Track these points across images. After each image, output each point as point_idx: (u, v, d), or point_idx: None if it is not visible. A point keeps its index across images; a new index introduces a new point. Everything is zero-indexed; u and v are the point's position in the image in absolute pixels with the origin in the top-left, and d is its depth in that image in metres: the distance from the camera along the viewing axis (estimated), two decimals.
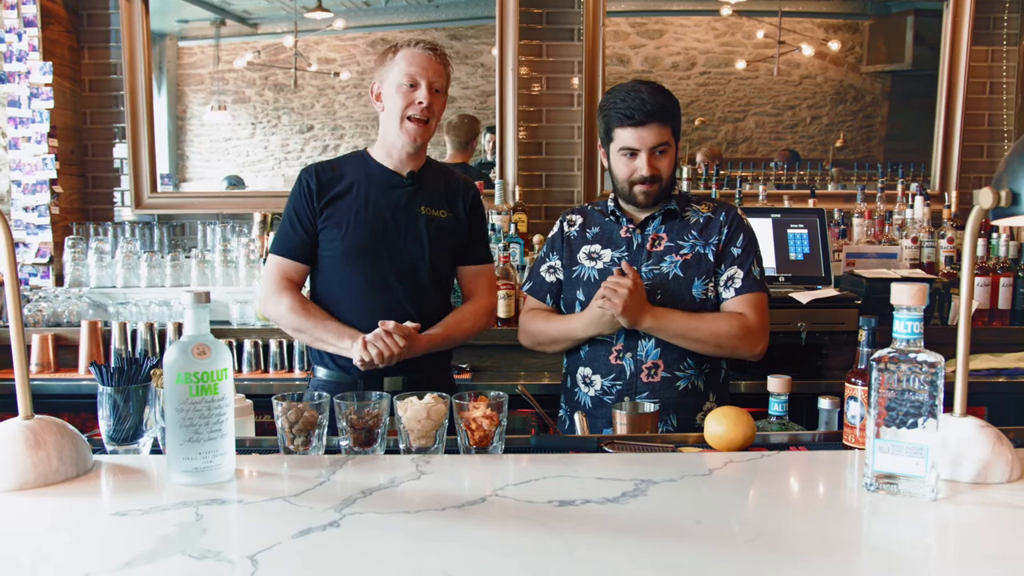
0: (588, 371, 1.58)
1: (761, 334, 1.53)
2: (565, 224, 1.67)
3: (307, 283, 1.67)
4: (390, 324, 1.47)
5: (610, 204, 1.62)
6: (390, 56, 1.57)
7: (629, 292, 1.44)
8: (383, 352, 1.45)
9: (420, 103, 1.52)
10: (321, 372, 1.62)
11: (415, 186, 1.60)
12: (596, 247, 1.60)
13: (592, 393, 1.58)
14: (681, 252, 1.55)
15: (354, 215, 1.57)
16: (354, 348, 1.48)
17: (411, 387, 1.27)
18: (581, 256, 1.60)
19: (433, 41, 1.61)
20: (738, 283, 1.54)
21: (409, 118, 1.54)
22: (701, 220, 1.58)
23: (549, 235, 1.71)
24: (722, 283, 1.55)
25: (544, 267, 1.66)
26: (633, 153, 1.52)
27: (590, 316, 1.52)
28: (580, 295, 1.59)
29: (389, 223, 1.58)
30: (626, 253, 1.57)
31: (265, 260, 2.38)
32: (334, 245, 1.57)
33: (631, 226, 1.59)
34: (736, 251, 1.55)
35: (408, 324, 1.49)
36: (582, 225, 1.65)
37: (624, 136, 1.51)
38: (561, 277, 1.64)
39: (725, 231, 1.55)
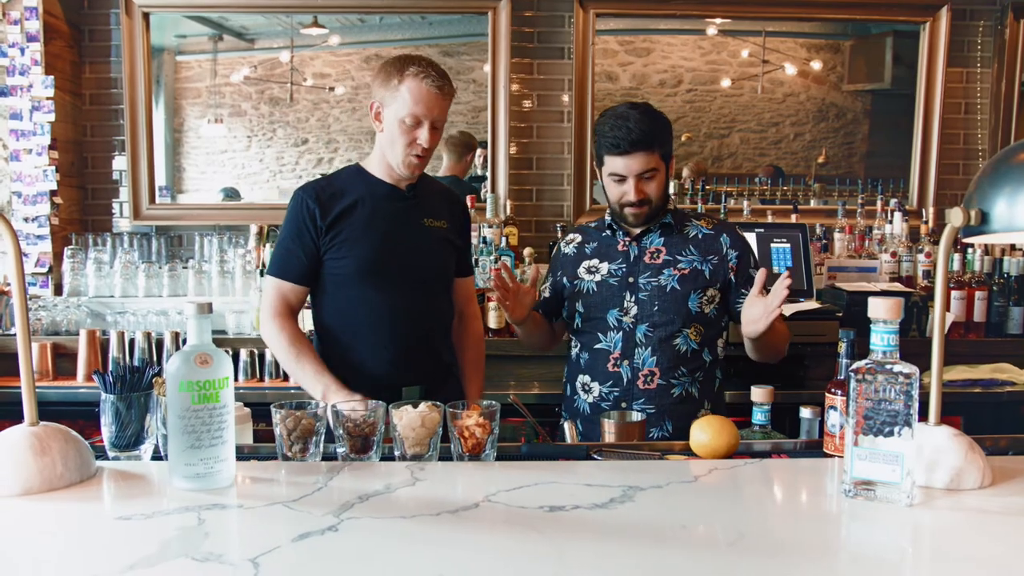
0: (587, 378, 1.63)
1: None
2: (562, 244, 1.75)
3: (308, 311, 1.63)
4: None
5: (607, 219, 1.68)
6: (395, 81, 1.49)
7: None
8: None
9: (421, 144, 1.50)
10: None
11: (416, 199, 1.61)
12: (595, 261, 1.66)
13: (591, 400, 1.62)
14: (679, 266, 1.60)
15: (363, 230, 1.54)
16: None
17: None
18: (581, 271, 1.66)
19: (441, 72, 1.51)
20: None
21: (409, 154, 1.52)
22: (700, 236, 1.64)
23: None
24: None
25: (543, 285, 1.75)
26: (622, 179, 1.57)
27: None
28: (580, 307, 1.65)
29: (399, 236, 1.57)
30: (623, 265, 1.63)
31: (262, 273, 2.37)
32: (344, 263, 1.54)
33: (628, 239, 1.64)
34: (755, 273, 1.59)
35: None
36: (580, 243, 1.71)
37: (612, 163, 1.56)
38: (548, 295, 1.71)
39: (733, 253, 1.62)
